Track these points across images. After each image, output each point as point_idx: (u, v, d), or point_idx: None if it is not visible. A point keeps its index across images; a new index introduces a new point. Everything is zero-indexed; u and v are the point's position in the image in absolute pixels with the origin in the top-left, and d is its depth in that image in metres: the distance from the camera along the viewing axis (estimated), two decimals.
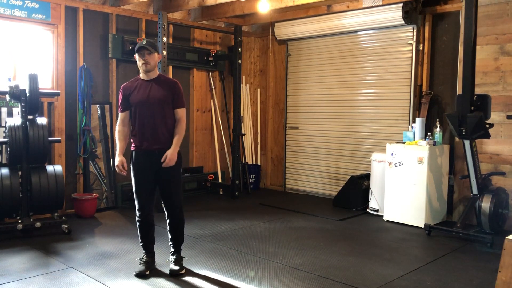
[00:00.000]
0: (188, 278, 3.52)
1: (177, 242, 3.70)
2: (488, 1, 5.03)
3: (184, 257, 3.72)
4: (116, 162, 3.58)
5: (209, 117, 7.04)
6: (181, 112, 3.58)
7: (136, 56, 3.52)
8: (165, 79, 3.66)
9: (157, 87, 3.53)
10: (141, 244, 3.69)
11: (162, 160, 3.44)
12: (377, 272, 3.70)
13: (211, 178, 6.84)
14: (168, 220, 3.67)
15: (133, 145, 3.61)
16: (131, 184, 3.66)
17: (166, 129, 3.52)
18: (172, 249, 3.70)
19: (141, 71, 3.57)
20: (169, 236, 3.70)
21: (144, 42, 3.51)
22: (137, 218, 3.65)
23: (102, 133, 5.80)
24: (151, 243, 3.70)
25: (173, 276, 3.53)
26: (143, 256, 3.64)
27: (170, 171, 3.53)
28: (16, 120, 4.57)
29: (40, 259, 3.87)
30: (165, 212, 3.66)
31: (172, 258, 3.66)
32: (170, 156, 3.45)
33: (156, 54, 3.53)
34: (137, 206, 3.62)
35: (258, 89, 7.55)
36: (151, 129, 3.49)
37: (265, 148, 7.51)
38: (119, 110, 3.65)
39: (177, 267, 3.58)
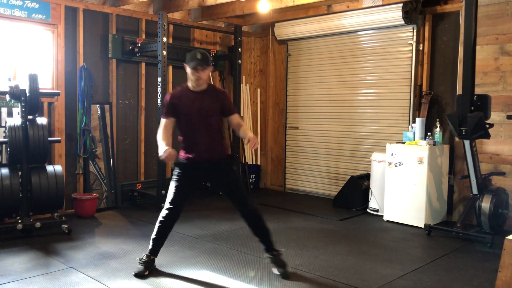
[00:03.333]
0: (188, 278, 3.52)
1: (265, 234, 3.61)
2: (488, 1, 5.03)
3: (281, 250, 3.63)
4: (166, 150, 3.35)
5: None
6: (236, 118, 3.60)
7: (189, 70, 3.47)
8: (214, 89, 3.63)
9: (207, 98, 3.51)
10: (154, 238, 3.61)
11: (250, 145, 3.37)
12: (377, 272, 3.70)
13: None
14: (244, 218, 3.61)
15: (181, 155, 3.59)
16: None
17: (215, 140, 3.53)
18: (264, 246, 3.62)
19: (192, 83, 3.52)
20: (253, 233, 3.63)
21: (199, 56, 3.43)
22: (163, 214, 3.58)
23: (102, 133, 5.80)
24: (163, 241, 3.66)
25: (285, 279, 3.47)
26: (143, 256, 3.63)
27: (225, 174, 3.56)
28: (16, 120, 4.57)
29: (40, 259, 3.87)
30: (238, 212, 3.60)
31: (270, 258, 3.57)
32: (253, 139, 3.37)
33: (209, 68, 3.50)
34: (168, 202, 3.57)
35: (258, 89, 7.55)
36: (201, 141, 3.48)
37: (265, 148, 7.51)
38: (163, 116, 3.60)
39: (281, 269, 3.52)
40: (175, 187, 3.58)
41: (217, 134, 3.57)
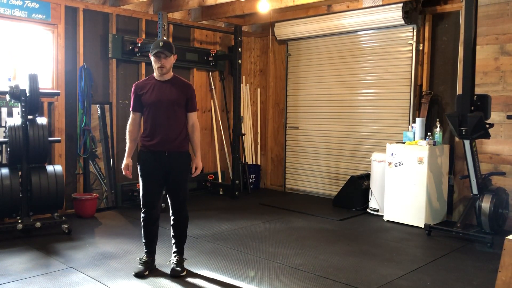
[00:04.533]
0: (188, 278, 3.52)
1: (180, 240, 3.67)
2: (488, 1, 5.03)
3: (185, 259, 3.70)
4: (123, 165, 3.62)
5: (209, 117, 7.04)
6: (194, 116, 3.63)
7: (152, 58, 3.49)
8: (180, 80, 3.62)
9: (171, 88, 3.52)
10: (144, 241, 3.66)
11: (192, 172, 3.61)
12: (377, 272, 3.70)
13: (211, 178, 6.84)
14: (172, 217, 3.64)
15: (142, 144, 3.59)
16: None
17: (178, 131, 3.52)
18: (175, 249, 3.68)
19: (156, 72, 3.54)
20: (172, 234, 3.68)
21: (161, 44, 3.46)
22: (142, 215, 3.62)
23: (102, 133, 5.80)
24: (154, 241, 3.68)
25: (174, 277, 3.52)
26: (143, 257, 3.63)
27: (179, 169, 3.55)
28: (16, 120, 4.57)
29: (40, 259, 3.87)
30: (170, 210, 3.64)
31: (174, 259, 3.64)
32: (199, 166, 3.61)
33: (172, 56, 3.51)
34: (142, 202, 3.59)
35: (258, 89, 7.55)
36: (163, 130, 3.48)
37: (265, 148, 7.51)
38: (130, 109, 3.63)
39: (178, 269, 3.57)
40: (143, 187, 3.58)
41: (179, 126, 3.53)
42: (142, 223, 3.65)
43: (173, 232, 3.68)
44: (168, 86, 3.52)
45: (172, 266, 3.61)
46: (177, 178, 3.57)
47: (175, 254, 3.67)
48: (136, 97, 3.57)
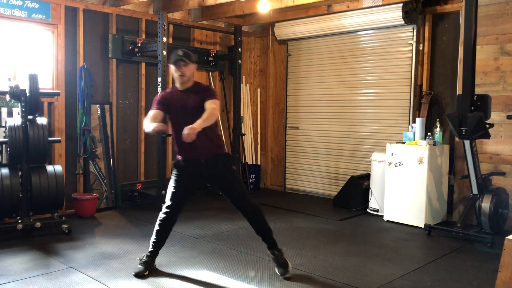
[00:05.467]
0: (188, 278, 3.52)
1: (264, 233, 3.58)
2: (488, 1, 5.03)
3: (283, 248, 3.60)
4: (152, 126, 3.29)
5: None
6: (211, 102, 3.39)
7: (172, 67, 3.46)
8: (200, 86, 3.58)
9: (193, 96, 3.47)
10: (153, 241, 3.61)
11: (183, 132, 3.15)
12: (377, 272, 3.70)
13: None
14: (248, 218, 3.59)
15: (178, 154, 3.58)
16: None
17: (205, 137, 3.42)
18: (266, 244, 3.60)
19: (177, 82, 3.52)
20: (255, 231, 3.61)
21: (180, 53, 3.43)
22: (161, 215, 3.58)
23: (102, 133, 5.80)
24: (162, 243, 3.66)
25: (286, 279, 3.47)
26: (143, 256, 3.62)
27: (221, 170, 3.53)
28: (16, 120, 4.57)
29: (40, 259, 3.87)
30: (240, 212, 3.59)
31: (272, 256, 3.55)
32: (189, 129, 3.10)
33: (192, 64, 3.47)
34: (167, 202, 3.57)
35: (258, 89, 7.55)
36: (190, 145, 3.36)
37: (265, 148, 7.51)
38: (152, 108, 3.52)
39: (282, 269, 3.51)
40: (173, 188, 3.57)
41: (208, 132, 3.42)
42: (157, 222, 3.60)
43: (254, 228, 3.61)
44: (190, 95, 3.48)
45: (275, 269, 3.55)
46: (224, 179, 3.56)
47: (269, 247, 3.59)
48: (162, 100, 3.53)
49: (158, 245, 3.65)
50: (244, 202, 3.59)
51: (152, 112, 3.50)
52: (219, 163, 3.54)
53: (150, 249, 3.64)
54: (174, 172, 3.59)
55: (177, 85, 3.55)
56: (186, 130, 3.10)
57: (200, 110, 3.36)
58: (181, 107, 3.46)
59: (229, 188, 3.58)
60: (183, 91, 3.52)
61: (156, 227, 3.62)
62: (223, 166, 3.56)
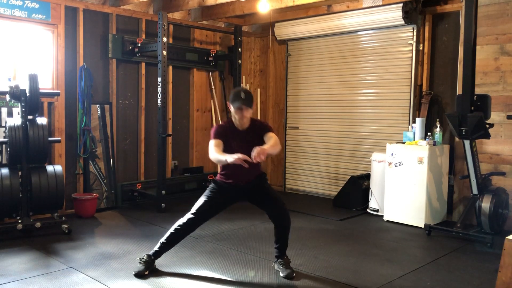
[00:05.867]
0: (188, 278, 3.52)
1: (285, 245, 3.68)
2: (488, 1, 5.03)
3: (290, 259, 3.70)
4: (236, 156, 3.22)
5: (209, 117, 7.04)
6: (272, 134, 3.52)
7: (233, 108, 3.46)
8: (257, 125, 3.59)
9: (251, 136, 3.52)
10: (164, 242, 3.60)
11: (253, 152, 3.17)
12: (377, 272, 3.70)
13: (211, 178, 6.82)
14: (279, 226, 3.63)
15: (221, 177, 3.61)
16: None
17: (255, 166, 3.48)
18: (279, 253, 3.67)
19: (235, 120, 3.52)
20: (277, 241, 3.66)
21: (243, 95, 3.41)
22: (183, 221, 3.58)
23: (102, 133, 5.80)
24: (172, 247, 3.67)
25: (289, 279, 3.51)
26: (144, 256, 3.62)
27: (260, 188, 3.63)
28: (16, 120, 4.57)
29: (40, 259, 3.87)
30: (275, 222, 3.63)
31: (281, 262, 3.63)
32: (260, 149, 3.17)
33: (252, 106, 3.51)
34: (193, 211, 3.58)
35: (258, 89, 7.55)
36: (244, 172, 3.42)
37: None
38: (212, 138, 3.51)
39: (288, 270, 3.57)
40: (205, 200, 3.59)
41: (258, 164, 3.53)
42: (175, 226, 3.60)
43: (280, 238, 3.65)
44: (248, 133, 3.53)
45: (282, 273, 3.57)
46: (264, 193, 3.63)
47: (280, 256, 3.66)
48: (221, 132, 3.52)
49: (165, 247, 3.63)
50: (286, 211, 3.64)
51: (214, 142, 3.48)
52: (260, 182, 3.66)
53: (156, 248, 3.63)
54: (213, 189, 3.61)
55: (236, 123, 3.54)
56: (256, 150, 3.16)
57: (260, 143, 3.46)
58: (239, 145, 3.49)
59: (272, 199, 3.64)
60: (240, 130, 3.54)
61: (172, 230, 3.61)
62: (264, 183, 3.69)
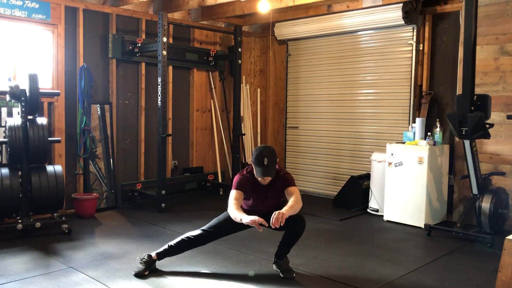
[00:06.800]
0: (188, 278, 3.52)
1: (288, 250, 3.66)
2: (488, 1, 5.03)
3: (289, 260, 3.70)
4: (252, 218, 3.19)
5: (209, 117, 7.04)
6: (293, 189, 3.47)
7: (256, 172, 3.43)
8: (280, 178, 3.53)
9: (273, 190, 3.52)
10: (170, 245, 3.61)
11: (273, 217, 3.16)
12: (377, 272, 3.70)
13: (211, 178, 6.84)
14: (291, 230, 3.54)
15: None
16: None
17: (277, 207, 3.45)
18: (279, 255, 3.65)
19: (259, 179, 3.48)
20: (282, 244, 3.62)
21: (266, 162, 3.35)
22: (194, 233, 3.59)
23: (102, 133, 5.80)
24: (177, 252, 3.68)
25: (289, 279, 3.51)
26: (144, 256, 3.62)
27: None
28: (16, 120, 4.57)
29: (40, 259, 3.87)
30: (288, 225, 3.45)
31: (281, 262, 3.63)
32: (280, 215, 3.14)
33: (275, 169, 3.49)
34: (208, 227, 3.59)
35: (258, 89, 7.55)
36: (265, 214, 3.41)
37: None
38: (233, 188, 3.49)
39: (288, 270, 3.58)
40: (221, 222, 3.57)
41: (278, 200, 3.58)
42: (187, 235, 3.60)
43: (290, 240, 3.59)
44: (269, 190, 3.53)
45: (283, 273, 3.57)
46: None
47: (281, 257, 3.64)
48: (242, 184, 3.49)
49: (172, 251, 3.63)
50: (299, 214, 3.53)
51: (235, 194, 3.45)
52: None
53: (161, 249, 3.63)
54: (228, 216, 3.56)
55: (259, 180, 3.50)
56: (276, 216, 3.13)
57: (280, 196, 3.51)
58: (259, 202, 3.53)
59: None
60: (263, 185, 3.52)
61: (183, 237, 3.62)
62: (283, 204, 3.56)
